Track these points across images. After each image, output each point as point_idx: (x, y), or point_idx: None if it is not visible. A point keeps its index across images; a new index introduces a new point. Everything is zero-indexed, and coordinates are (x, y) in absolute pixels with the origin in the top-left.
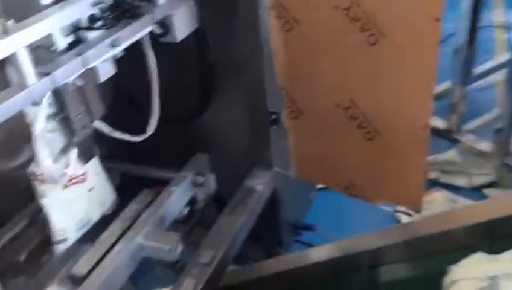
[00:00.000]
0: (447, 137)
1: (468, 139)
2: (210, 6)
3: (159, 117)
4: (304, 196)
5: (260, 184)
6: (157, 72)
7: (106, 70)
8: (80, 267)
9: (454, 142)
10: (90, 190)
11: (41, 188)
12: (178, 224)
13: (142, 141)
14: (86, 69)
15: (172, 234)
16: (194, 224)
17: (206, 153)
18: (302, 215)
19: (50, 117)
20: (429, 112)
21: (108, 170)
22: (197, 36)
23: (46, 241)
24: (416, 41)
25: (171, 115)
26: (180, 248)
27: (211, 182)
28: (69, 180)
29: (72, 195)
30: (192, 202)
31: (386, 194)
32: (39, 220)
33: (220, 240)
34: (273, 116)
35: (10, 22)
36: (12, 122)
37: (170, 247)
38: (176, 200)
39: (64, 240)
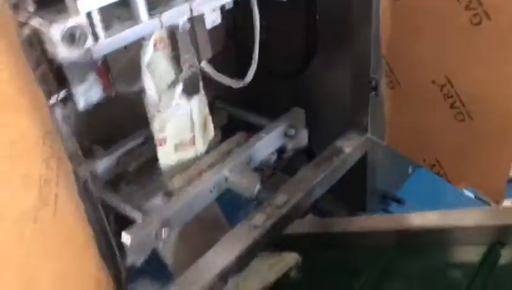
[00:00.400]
0: None
1: None
2: None
3: (266, 70)
4: (400, 168)
5: (350, 146)
6: (259, 26)
7: (213, 19)
8: (174, 183)
9: None
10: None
11: (150, 114)
12: (265, 168)
13: (252, 90)
14: (194, 16)
15: (253, 174)
16: (278, 170)
17: (303, 109)
18: (395, 188)
19: (164, 54)
20: None
21: (218, 109)
22: None
23: (153, 159)
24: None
25: (276, 68)
26: (258, 187)
27: (302, 136)
28: (179, 145)
29: (180, 158)
30: (281, 151)
31: (469, 178)
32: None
33: (297, 188)
34: (373, 83)
35: None
36: (133, 52)
37: (249, 184)
38: (265, 145)
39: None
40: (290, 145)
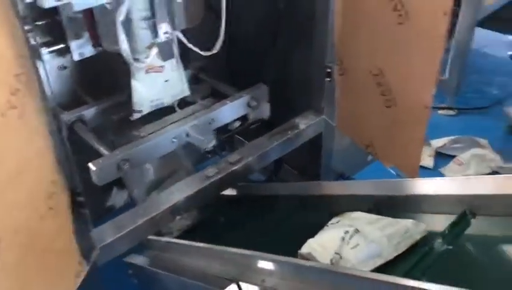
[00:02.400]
0: None
1: None
2: None
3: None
4: (359, 155)
5: (305, 124)
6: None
7: None
8: (142, 131)
9: None
10: (166, 80)
11: (131, 69)
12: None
13: (232, 67)
14: None
15: (211, 132)
16: (238, 133)
17: (270, 86)
18: (352, 171)
19: (143, 18)
20: (430, 95)
21: (201, 81)
22: None
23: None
24: (428, 30)
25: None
26: (212, 143)
27: (264, 108)
28: (150, 68)
29: (150, 80)
30: (245, 120)
31: (393, 158)
32: None
33: (250, 151)
34: (328, 70)
35: None
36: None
37: (205, 138)
38: (228, 110)
39: (140, 111)
40: (252, 115)
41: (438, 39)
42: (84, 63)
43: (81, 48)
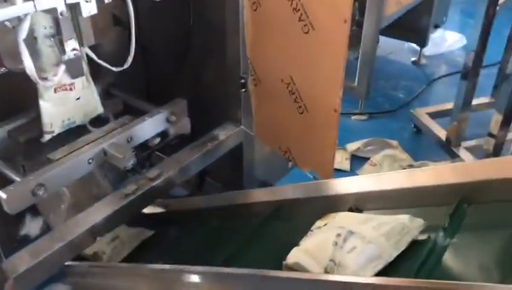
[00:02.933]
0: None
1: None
2: None
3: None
4: (279, 163)
5: (224, 135)
6: (134, 22)
7: (88, 10)
8: (56, 154)
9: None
10: (77, 99)
11: (39, 88)
12: (146, 148)
13: (146, 82)
14: (70, 4)
15: (130, 150)
16: (157, 150)
17: (185, 100)
18: (274, 179)
19: (48, 36)
20: (338, 99)
21: (113, 96)
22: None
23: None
24: (331, 38)
25: (160, 61)
26: (132, 161)
27: (185, 123)
28: (59, 87)
29: (60, 99)
30: (165, 135)
31: (309, 162)
32: None
33: (170, 165)
34: (242, 81)
35: None
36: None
37: (124, 156)
38: (146, 127)
39: (52, 132)
40: (172, 131)
41: (340, 45)
42: None
43: None
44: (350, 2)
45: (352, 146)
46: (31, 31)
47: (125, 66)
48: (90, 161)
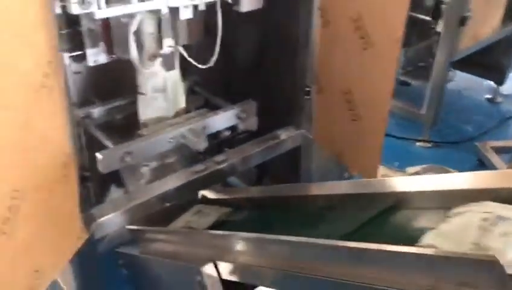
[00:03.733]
0: None
1: None
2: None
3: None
4: (336, 171)
5: (285, 135)
6: (221, 28)
7: (186, 14)
8: (144, 131)
9: None
10: (166, 92)
11: (138, 78)
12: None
13: (225, 82)
14: (171, 8)
15: (204, 136)
16: (226, 141)
17: (258, 101)
18: None
19: (151, 32)
20: (387, 110)
21: (196, 93)
22: (261, 13)
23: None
24: (384, 54)
25: (239, 64)
26: (204, 144)
27: (252, 122)
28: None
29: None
30: (234, 130)
31: (357, 165)
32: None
33: (235, 155)
34: (307, 89)
35: None
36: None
37: (198, 140)
38: (219, 119)
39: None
40: (241, 126)
41: (391, 62)
42: (95, 68)
43: (96, 56)
44: (402, 24)
45: (411, 169)
46: (138, 27)
47: (209, 64)
48: (171, 140)
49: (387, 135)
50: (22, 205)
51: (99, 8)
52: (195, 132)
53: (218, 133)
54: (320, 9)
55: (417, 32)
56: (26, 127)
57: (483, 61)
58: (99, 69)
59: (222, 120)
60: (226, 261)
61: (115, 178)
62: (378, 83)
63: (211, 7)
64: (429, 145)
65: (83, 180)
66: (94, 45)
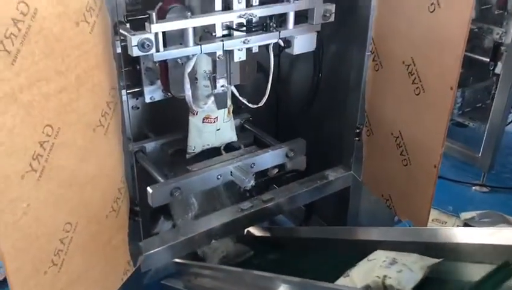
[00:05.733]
0: None
1: None
2: (331, 42)
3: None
4: (387, 214)
5: (334, 176)
6: (273, 70)
7: (239, 56)
8: (193, 167)
9: None
10: (217, 129)
11: (190, 118)
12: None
13: (275, 121)
14: (227, 50)
15: (251, 174)
16: (274, 179)
17: (304, 141)
18: None
19: (206, 73)
20: (439, 156)
21: (247, 130)
22: (314, 56)
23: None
24: (438, 101)
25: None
26: (251, 183)
27: (301, 160)
28: (205, 118)
29: (205, 128)
30: (282, 169)
31: (407, 212)
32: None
33: (282, 193)
34: (358, 130)
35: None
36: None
37: (246, 178)
38: (268, 157)
39: (193, 152)
40: (289, 165)
41: (445, 109)
42: (151, 104)
43: (152, 93)
44: (457, 73)
45: (467, 215)
46: (194, 68)
47: (260, 104)
48: (219, 176)
49: (441, 177)
50: (73, 237)
51: (157, 50)
52: (243, 169)
53: (266, 170)
54: (372, 52)
55: (475, 73)
56: (82, 163)
57: None
58: (154, 104)
59: (271, 158)
60: None
61: (164, 211)
62: (430, 130)
63: (264, 48)
64: (486, 189)
65: (132, 214)
66: (151, 82)
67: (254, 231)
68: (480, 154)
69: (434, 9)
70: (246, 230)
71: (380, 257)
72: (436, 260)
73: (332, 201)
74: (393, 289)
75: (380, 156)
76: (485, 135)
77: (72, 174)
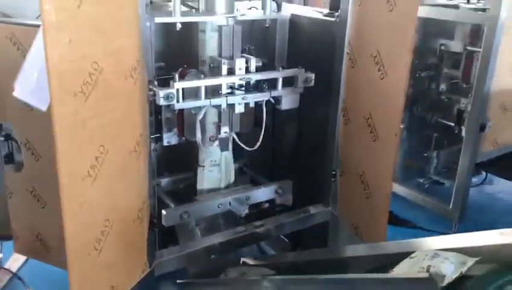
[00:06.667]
0: None
1: None
2: (312, 102)
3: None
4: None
5: (314, 211)
6: (265, 122)
7: (239, 109)
8: (199, 197)
9: None
10: (220, 171)
11: (200, 157)
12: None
13: (267, 165)
14: (230, 104)
15: (246, 205)
16: (265, 211)
17: (291, 181)
18: None
19: (213, 121)
20: (390, 188)
21: (244, 172)
22: (297, 112)
23: (194, 184)
24: (387, 145)
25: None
26: (245, 212)
27: (288, 198)
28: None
29: (210, 170)
30: (272, 203)
31: (370, 236)
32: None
33: (270, 222)
34: (333, 172)
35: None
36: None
37: (241, 209)
38: (260, 193)
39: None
40: (278, 200)
41: (393, 151)
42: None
43: (169, 138)
44: (398, 124)
45: None
46: (204, 117)
47: (254, 148)
48: (220, 205)
49: (418, 227)
50: (110, 232)
51: (177, 101)
52: (240, 201)
53: (258, 204)
54: (343, 110)
55: (447, 137)
56: (120, 178)
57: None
58: (168, 148)
59: (262, 193)
60: None
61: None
62: (383, 168)
63: (259, 105)
64: None
65: (151, 224)
66: (169, 129)
67: (248, 260)
68: (450, 207)
69: (383, 77)
70: (241, 261)
71: (421, 253)
72: (474, 259)
73: (313, 234)
74: (438, 275)
75: (350, 192)
76: (453, 191)
77: (113, 183)
